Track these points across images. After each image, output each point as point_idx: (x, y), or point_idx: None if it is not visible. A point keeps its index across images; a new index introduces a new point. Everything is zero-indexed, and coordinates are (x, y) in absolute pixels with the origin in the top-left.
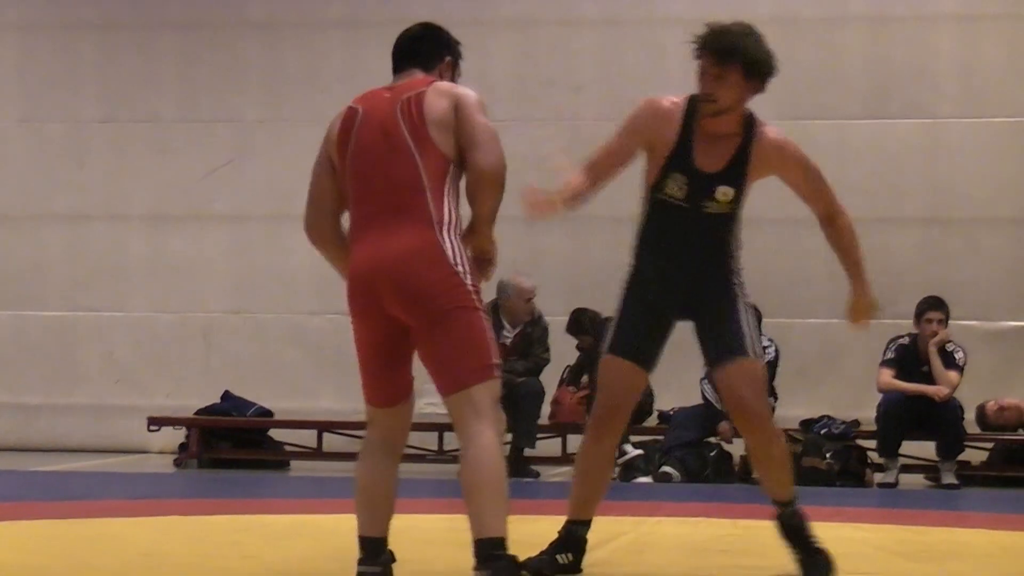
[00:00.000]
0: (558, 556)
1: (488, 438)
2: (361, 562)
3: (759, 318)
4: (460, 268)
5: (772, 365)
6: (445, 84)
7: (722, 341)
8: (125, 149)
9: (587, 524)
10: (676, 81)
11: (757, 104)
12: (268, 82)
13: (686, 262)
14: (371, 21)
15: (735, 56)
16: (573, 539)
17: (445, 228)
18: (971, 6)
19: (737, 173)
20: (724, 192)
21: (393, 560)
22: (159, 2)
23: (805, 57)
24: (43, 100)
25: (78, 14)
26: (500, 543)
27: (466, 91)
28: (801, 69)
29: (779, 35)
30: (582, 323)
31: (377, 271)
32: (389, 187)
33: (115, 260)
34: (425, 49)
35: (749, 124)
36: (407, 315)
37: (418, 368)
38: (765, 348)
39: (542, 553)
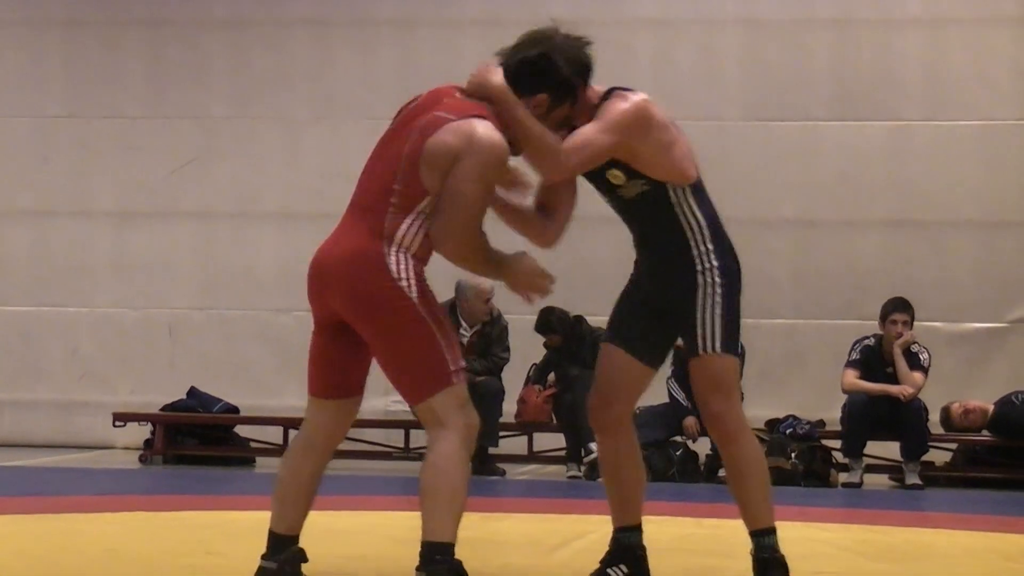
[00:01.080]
0: (610, 570)
1: (447, 445)
2: (263, 556)
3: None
4: (404, 281)
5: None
6: (477, 128)
7: (685, 342)
8: (90, 145)
9: (634, 530)
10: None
11: (725, 105)
12: (234, 79)
13: (645, 253)
14: (338, 20)
15: (541, 88)
16: (622, 549)
17: (396, 245)
18: (936, 10)
19: None
20: (614, 174)
21: (303, 559)
22: None
23: (772, 59)
24: (7, 96)
25: (43, 10)
26: (445, 548)
27: (481, 147)
28: (768, 71)
29: (746, 37)
30: (550, 322)
31: (324, 266)
32: (365, 187)
33: (80, 256)
34: (523, 77)
35: (605, 99)
36: (349, 317)
37: (371, 369)
38: None
39: (596, 571)
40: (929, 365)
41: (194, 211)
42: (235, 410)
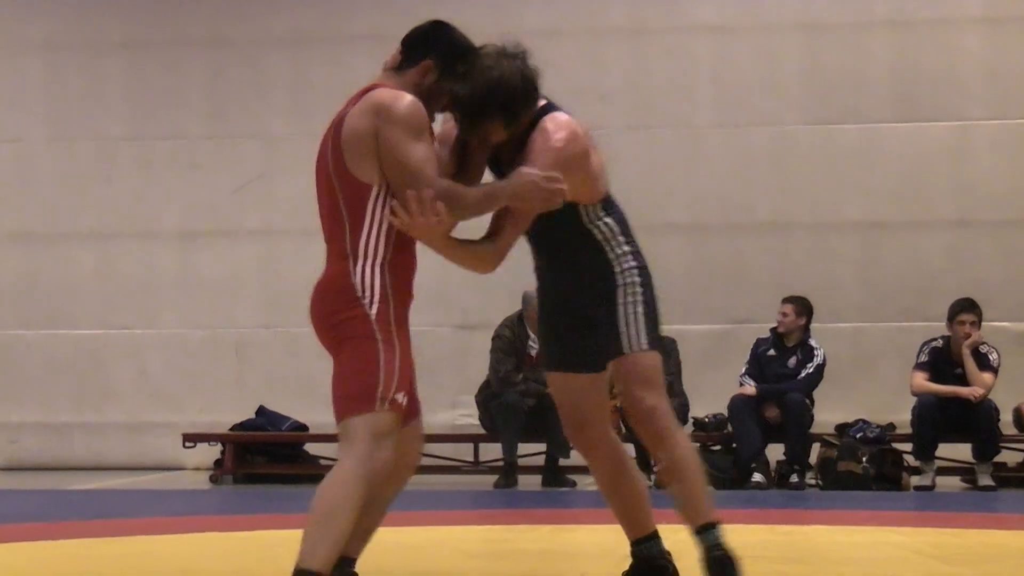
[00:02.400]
0: None
1: (343, 469)
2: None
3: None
4: (366, 299)
5: (820, 371)
6: (376, 96)
7: (609, 344)
8: (153, 166)
9: (650, 539)
10: (703, 89)
11: (786, 110)
12: (295, 97)
13: (556, 270)
14: (398, 34)
15: (488, 115)
16: (642, 561)
17: (361, 261)
18: (996, 8)
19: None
20: None
21: None
22: (185, 19)
23: (831, 62)
24: (70, 119)
25: (104, 32)
26: (309, 575)
27: (393, 104)
28: (828, 74)
29: (805, 41)
30: None
31: (310, 310)
32: (322, 215)
33: (145, 277)
34: (405, 48)
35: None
36: (322, 342)
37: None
38: (814, 350)
39: None
40: (999, 365)
41: (258, 229)
42: (304, 428)
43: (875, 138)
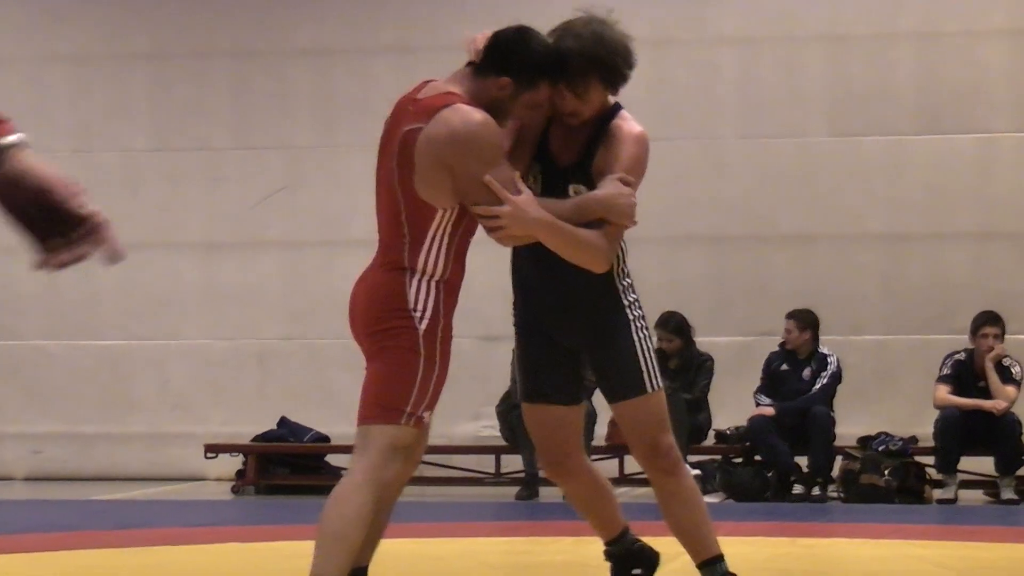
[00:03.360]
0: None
1: (354, 479)
2: None
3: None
4: (417, 313)
5: (836, 378)
6: (451, 122)
7: (618, 380)
8: (178, 178)
9: (621, 537)
10: (727, 101)
11: (810, 121)
12: (319, 108)
13: (558, 282)
14: (422, 46)
15: (592, 73)
16: (620, 555)
17: (418, 276)
18: (1020, 20)
19: (588, 166)
20: (577, 190)
21: None
22: (210, 31)
23: (856, 74)
24: (96, 130)
25: (130, 44)
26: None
27: (469, 136)
28: (852, 86)
29: (829, 53)
30: (669, 323)
31: (351, 302)
32: (380, 219)
33: (169, 288)
34: (487, 54)
35: (610, 120)
36: (361, 346)
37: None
38: (827, 358)
39: None
40: (1022, 378)
41: (281, 240)
42: (326, 439)
43: (899, 150)
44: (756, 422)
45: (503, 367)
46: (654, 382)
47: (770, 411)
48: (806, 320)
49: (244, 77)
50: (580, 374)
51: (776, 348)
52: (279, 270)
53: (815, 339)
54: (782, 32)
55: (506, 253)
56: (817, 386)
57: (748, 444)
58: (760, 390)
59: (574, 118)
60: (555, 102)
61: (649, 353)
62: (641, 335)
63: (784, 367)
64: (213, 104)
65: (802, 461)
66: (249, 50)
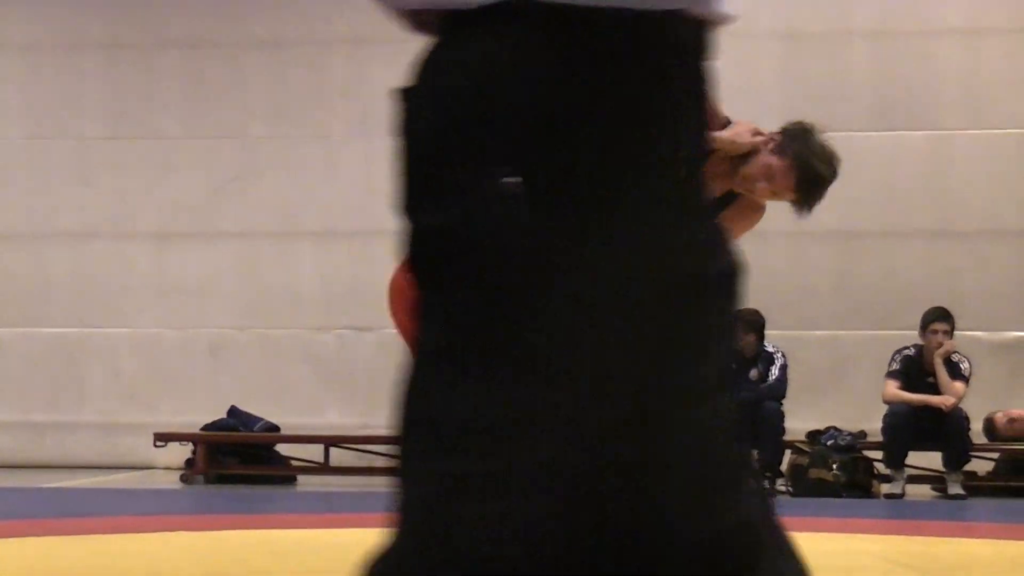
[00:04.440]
0: None
1: None
2: None
3: None
4: None
5: (785, 371)
6: None
7: None
8: (130, 167)
9: None
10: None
11: (763, 118)
12: (273, 99)
13: None
14: (376, 38)
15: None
16: None
17: None
18: (974, 20)
19: None
20: None
21: None
22: (163, 20)
23: (810, 71)
24: (47, 118)
25: (82, 33)
26: None
27: None
28: (806, 83)
29: (783, 50)
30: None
31: None
32: None
33: (121, 277)
34: None
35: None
36: None
37: None
38: (773, 356)
39: None
40: (970, 375)
41: (234, 231)
42: (276, 429)
43: (852, 147)
44: None
45: None
46: None
47: None
48: (749, 321)
49: (198, 66)
50: None
51: None
52: (232, 260)
53: (759, 340)
54: (736, 29)
55: None
56: (768, 383)
57: None
58: None
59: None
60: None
61: None
62: None
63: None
64: (166, 93)
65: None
66: (203, 39)
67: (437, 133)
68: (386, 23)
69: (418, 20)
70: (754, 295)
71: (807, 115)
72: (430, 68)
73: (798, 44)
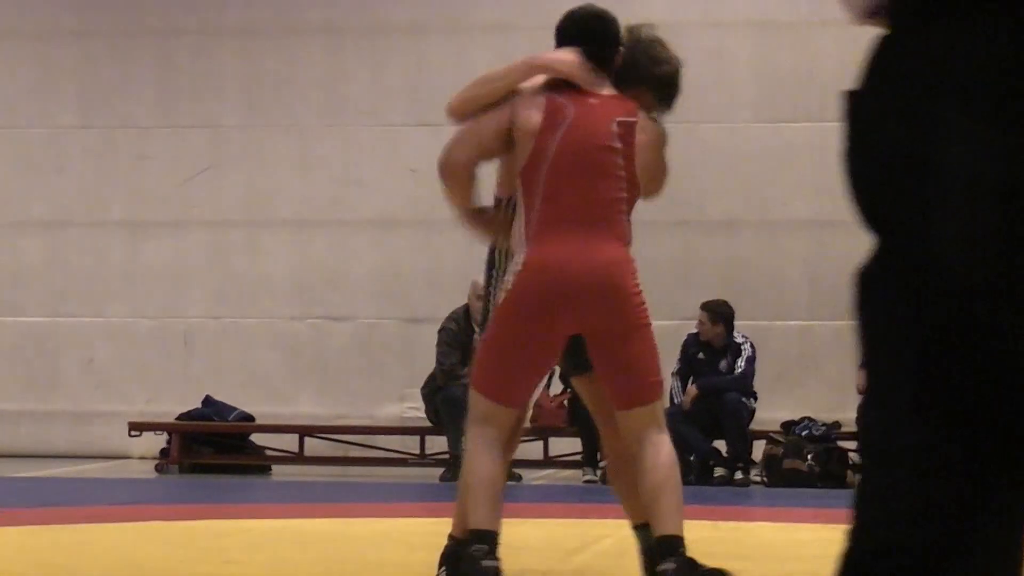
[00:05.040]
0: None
1: (671, 447)
2: (486, 555)
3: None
4: (639, 286)
5: (751, 363)
6: (643, 118)
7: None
8: (103, 155)
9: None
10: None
11: (736, 107)
12: (246, 88)
13: None
14: (350, 27)
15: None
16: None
17: (629, 248)
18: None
19: None
20: None
21: None
22: (136, 9)
23: (783, 60)
24: (21, 106)
25: (55, 21)
26: (682, 541)
27: (660, 135)
28: (778, 72)
29: (756, 39)
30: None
31: (581, 277)
32: (593, 201)
33: (94, 266)
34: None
35: None
36: (601, 322)
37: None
38: (741, 347)
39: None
40: None
41: (207, 220)
42: (250, 418)
43: (824, 136)
44: (665, 412)
45: (429, 349)
46: None
47: (688, 403)
48: (718, 312)
49: (170, 55)
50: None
51: (694, 331)
52: (204, 250)
53: (729, 331)
54: (709, 18)
55: (433, 239)
56: (736, 373)
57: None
58: (677, 372)
59: None
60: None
61: None
62: None
63: (700, 355)
64: (139, 82)
65: (723, 445)
66: (176, 28)
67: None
68: (360, 12)
69: (871, 8)
70: (725, 285)
71: (780, 105)
72: (892, 64)
73: (770, 33)
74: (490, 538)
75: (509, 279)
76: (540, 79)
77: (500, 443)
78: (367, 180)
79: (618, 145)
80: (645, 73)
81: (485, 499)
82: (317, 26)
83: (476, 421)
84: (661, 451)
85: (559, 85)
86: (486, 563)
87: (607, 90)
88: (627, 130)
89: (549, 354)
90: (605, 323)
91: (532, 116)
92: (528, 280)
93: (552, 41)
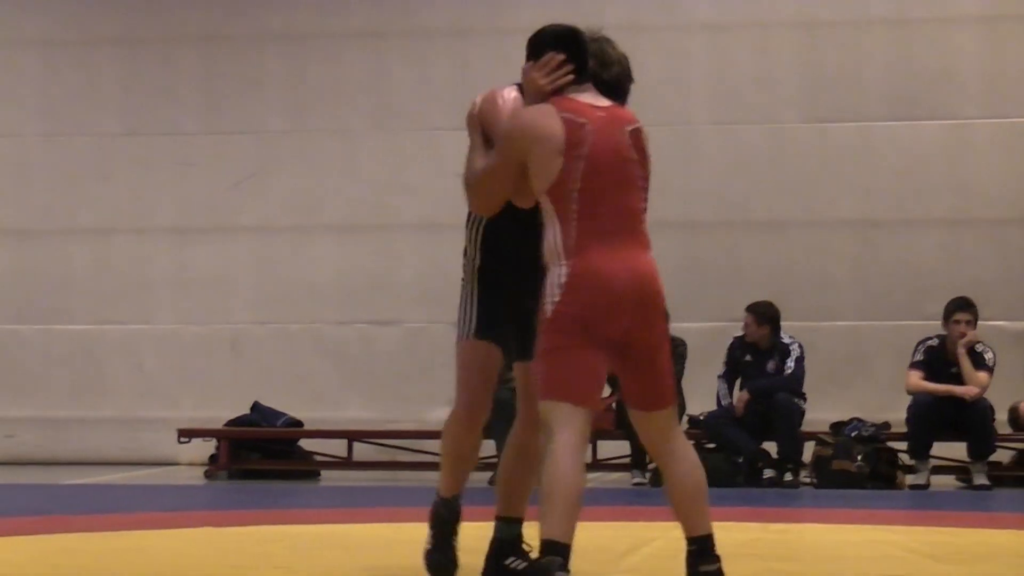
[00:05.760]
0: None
1: (693, 450)
2: (560, 567)
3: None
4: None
5: (801, 363)
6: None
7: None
8: (149, 163)
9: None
10: (699, 86)
11: (782, 108)
12: (290, 93)
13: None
14: (393, 31)
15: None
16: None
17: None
18: (993, 7)
19: None
20: None
21: None
22: (180, 15)
23: (828, 60)
24: (66, 115)
25: (99, 29)
26: (713, 540)
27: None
28: (824, 72)
29: (801, 39)
30: None
31: (629, 287)
32: (624, 213)
33: (141, 273)
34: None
35: None
36: (644, 330)
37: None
38: (789, 347)
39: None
40: (994, 364)
41: (253, 226)
42: (298, 424)
43: (871, 136)
44: (711, 415)
45: None
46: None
47: (741, 407)
48: (764, 314)
49: (215, 62)
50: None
51: (740, 333)
52: (251, 255)
53: (775, 332)
54: (754, 18)
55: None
56: (786, 374)
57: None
58: (723, 375)
59: None
60: None
61: None
62: None
63: (748, 358)
64: (184, 89)
65: (773, 447)
66: (220, 35)
67: None
68: (403, 16)
69: None
70: (773, 286)
71: (824, 105)
72: None
73: (815, 33)
74: (565, 552)
75: (555, 291)
76: (536, 107)
77: (582, 449)
78: (412, 184)
79: (635, 156)
80: (594, 75)
81: (565, 510)
82: (361, 30)
83: (556, 428)
84: (688, 454)
85: (559, 104)
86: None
87: (602, 101)
88: (637, 138)
89: (603, 360)
90: (645, 330)
91: (554, 133)
92: (578, 291)
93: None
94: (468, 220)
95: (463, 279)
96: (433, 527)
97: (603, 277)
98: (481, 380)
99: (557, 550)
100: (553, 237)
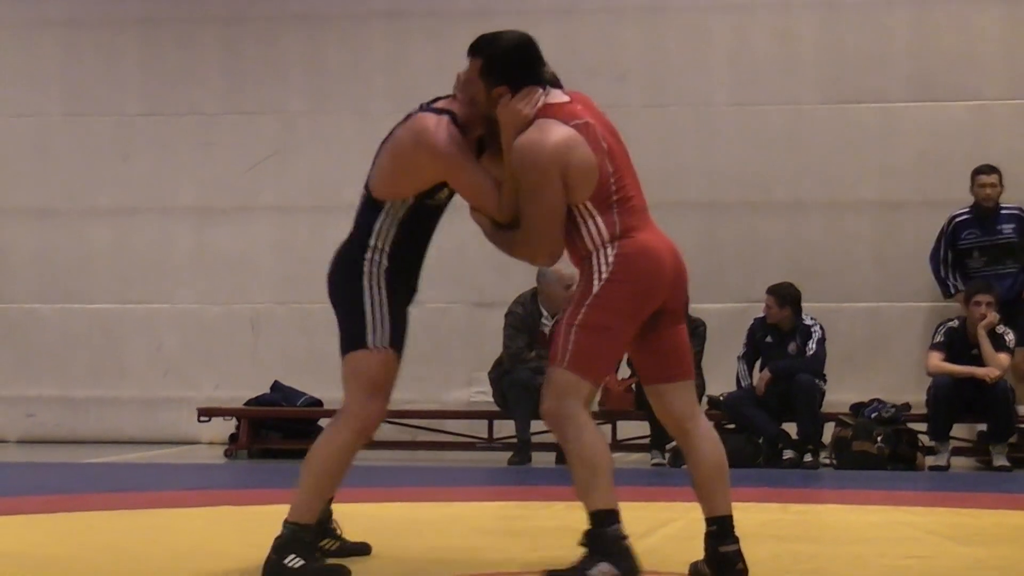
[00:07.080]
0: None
1: (714, 431)
2: (624, 533)
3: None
4: None
5: (822, 345)
6: None
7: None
8: (169, 143)
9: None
10: (720, 68)
11: (802, 88)
12: (311, 74)
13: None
14: (414, 11)
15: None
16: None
17: None
18: None
19: None
20: None
21: None
22: None
23: (849, 41)
24: (87, 95)
25: (120, 9)
26: (732, 521)
27: None
28: (845, 53)
29: (822, 19)
30: None
31: (671, 260)
32: (638, 186)
33: (161, 253)
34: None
35: None
36: (675, 300)
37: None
38: (811, 328)
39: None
40: (1015, 346)
41: (273, 205)
42: (318, 403)
43: (892, 117)
44: (731, 396)
45: (496, 333)
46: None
47: (762, 388)
48: (785, 295)
49: (236, 42)
50: None
51: (761, 315)
52: (271, 235)
53: (796, 314)
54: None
55: None
56: (807, 355)
57: (724, 416)
58: (744, 356)
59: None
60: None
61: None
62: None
63: (768, 339)
64: (205, 69)
65: (793, 428)
66: (241, 15)
67: None
68: None
69: None
70: (794, 267)
71: (846, 86)
72: None
73: (837, 14)
74: (619, 516)
75: (605, 270)
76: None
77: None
78: None
79: (619, 136)
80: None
81: (608, 479)
82: (381, 11)
83: (580, 403)
84: (710, 433)
85: (553, 115)
86: (628, 542)
87: (565, 94)
88: (612, 130)
89: (632, 337)
90: (675, 300)
91: (579, 143)
92: (633, 265)
93: (611, 26)
94: (369, 209)
95: (363, 276)
96: (298, 554)
97: (653, 250)
98: (388, 392)
99: (617, 516)
100: (595, 229)
